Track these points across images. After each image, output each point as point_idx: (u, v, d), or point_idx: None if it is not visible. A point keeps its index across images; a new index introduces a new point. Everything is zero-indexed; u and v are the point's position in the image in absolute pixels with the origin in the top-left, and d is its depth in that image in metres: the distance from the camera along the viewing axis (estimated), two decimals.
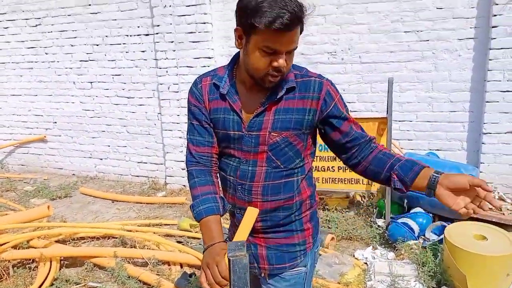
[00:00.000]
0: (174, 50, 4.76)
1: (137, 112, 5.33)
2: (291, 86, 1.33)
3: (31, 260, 3.17)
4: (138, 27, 5.04)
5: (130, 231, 3.65)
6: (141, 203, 4.72)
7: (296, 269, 1.47)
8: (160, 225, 3.98)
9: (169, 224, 4.01)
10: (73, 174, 5.95)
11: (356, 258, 3.30)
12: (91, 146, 5.73)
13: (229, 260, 1.11)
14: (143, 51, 5.09)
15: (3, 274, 2.95)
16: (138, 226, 3.80)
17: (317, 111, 1.33)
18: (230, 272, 1.10)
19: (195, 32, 4.62)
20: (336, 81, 4.42)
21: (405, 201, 3.70)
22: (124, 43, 5.16)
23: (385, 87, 3.90)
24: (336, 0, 4.23)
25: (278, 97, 1.32)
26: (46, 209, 3.45)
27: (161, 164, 5.33)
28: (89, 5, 5.25)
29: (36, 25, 5.67)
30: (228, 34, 4.62)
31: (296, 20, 1.17)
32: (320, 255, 3.17)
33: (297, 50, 1.28)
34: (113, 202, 4.85)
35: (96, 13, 5.25)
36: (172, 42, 4.75)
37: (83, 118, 5.69)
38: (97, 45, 5.34)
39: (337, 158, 3.82)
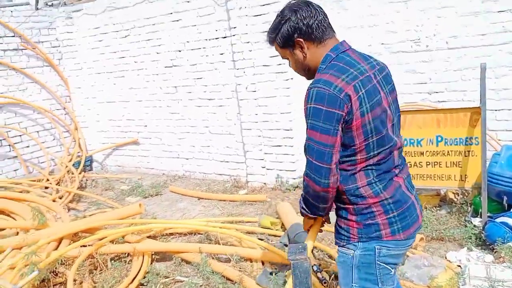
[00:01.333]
0: (251, 51, 4.83)
1: (217, 113, 5.51)
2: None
3: (126, 254, 3.43)
4: (216, 30, 5.21)
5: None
6: (224, 200, 4.88)
7: (345, 248, 1.65)
8: (242, 222, 4.07)
9: (250, 222, 4.08)
10: (163, 174, 6.35)
11: (448, 260, 3.06)
12: (178, 147, 6.07)
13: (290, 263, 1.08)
14: (221, 54, 5.24)
15: (103, 267, 3.24)
16: (221, 223, 3.92)
17: None
18: (292, 276, 1.07)
19: None
20: (421, 70, 4.16)
21: (505, 198, 3.34)
22: (203, 47, 5.37)
23: (476, 73, 3.55)
24: None
25: None
26: (138, 207, 3.72)
27: (242, 162, 5.45)
28: (171, 13, 5.55)
29: (126, 36, 6.14)
30: None
31: (269, 41, 1.73)
32: (408, 256, 3.00)
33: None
34: (198, 199, 5.08)
35: (177, 21, 5.53)
36: (248, 42, 4.83)
37: (170, 121, 6.04)
38: (180, 51, 5.62)
39: (424, 153, 3.60)
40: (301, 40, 1.61)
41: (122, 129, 6.70)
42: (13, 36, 6.38)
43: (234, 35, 4.92)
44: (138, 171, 6.68)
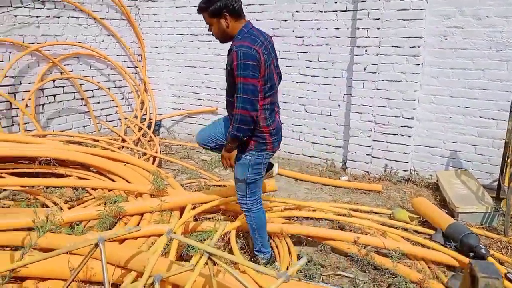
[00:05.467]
0: (379, 28, 4.48)
1: (319, 92, 5.17)
2: (230, 48, 2.45)
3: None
4: (336, 2, 4.83)
5: (344, 215, 3.53)
6: (328, 185, 4.59)
7: (246, 154, 2.58)
8: (370, 212, 3.79)
9: (378, 213, 3.80)
10: None
11: None
12: None
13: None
14: (337, 28, 4.88)
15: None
16: (349, 210, 3.64)
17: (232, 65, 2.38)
18: None
19: (408, 10, 4.28)
20: None
21: None
22: (316, 19, 5.00)
23: None
24: None
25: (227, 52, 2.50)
26: (273, 184, 3.44)
27: (339, 147, 5.15)
28: None
29: None
30: (447, 12, 4.21)
31: (199, 9, 2.51)
32: None
33: None
34: (296, 180, 4.79)
35: None
36: (377, 19, 4.46)
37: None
38: (285, 20, 5.24)
39: None
40: (227, 14, 2.43)
41: (199, 97, 6.35)
42: None
43: (361, 10, 4.55)
44: None
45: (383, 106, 4.60)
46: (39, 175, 4.35)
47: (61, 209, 3.64)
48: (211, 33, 2.58)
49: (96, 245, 1.88)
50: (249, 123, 2.39)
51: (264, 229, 2.82)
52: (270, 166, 3.04)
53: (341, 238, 3.05)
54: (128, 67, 6.59)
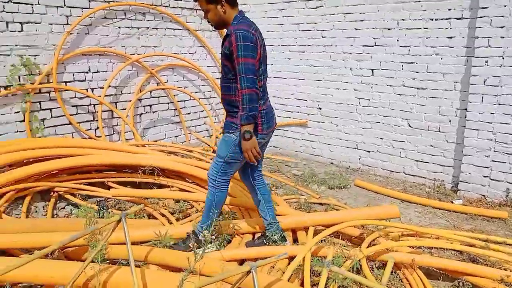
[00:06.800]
0: (503, 37, 4.03)
1: (427, 105, 4.79)
2: (227, 33, 2.61)
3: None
4: (449, 9, 4.45)
5: (473, 245, 3.13)
6: (442, 209, 4.18)
7: (231, 134, 2.70)
8: (502, 244, 3.34)
9: None
10: (332, 163, 5.78)
11: None
12: (359, 136, 5.44)
13: None
14: (450, 37, 4.49)
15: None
16: (477, 240, 3.23)
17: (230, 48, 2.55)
18: None
19: None
20: None
21: None
22: (425, 28, 4.64)
23: None
24: None
25: (223, 39, 2.66)
26: (395, 209, 3.14)
27: (449, 166, 4.71)
28: None
29: (317, 7, 5.56)
30: None
31: None
32: None
33: None
34: (402, 202, 4.43)
35: None
36: (502, 27, 4.03)
37: (354, 106, 5.42)
38: (389, 29, 4.94)
39: None
40: (223, 1, 2.60)
41: (287, 108, 6.19)
42: None
43: (481, 17, 4.14)
44: (298, 155, 6.17)
45: (507, 123, 4.13)
46: (141, 184, 4.41)
47: (170, 221, 3.60)
48: (206, 20, 2.75)
49: (248, 272, 1.72)
50: (256, 100, 2.50)
51: (219, 209, 2.87)
52: (283, 239, 2.99)
53: (484, 274, 2.67)
54: (217, 78, 6.60)
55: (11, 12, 4.23)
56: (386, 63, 5.02)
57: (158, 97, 5.79)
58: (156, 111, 5.79)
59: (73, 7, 4.68)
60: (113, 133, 5.30)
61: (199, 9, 6.03)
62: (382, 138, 5.23)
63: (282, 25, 6.00)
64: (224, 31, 2.71)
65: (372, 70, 5.17)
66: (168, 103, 5.93)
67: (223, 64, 2.65)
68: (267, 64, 2.95)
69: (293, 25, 5.86)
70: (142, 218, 3.78)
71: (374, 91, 5.19)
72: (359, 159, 5.50)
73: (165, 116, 5.91)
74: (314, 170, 5.42)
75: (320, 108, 5.79)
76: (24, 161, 3.96)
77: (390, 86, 5.03)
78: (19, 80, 4.35)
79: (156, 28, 5.63)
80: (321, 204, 4.26)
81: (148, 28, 5.52)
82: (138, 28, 5.42)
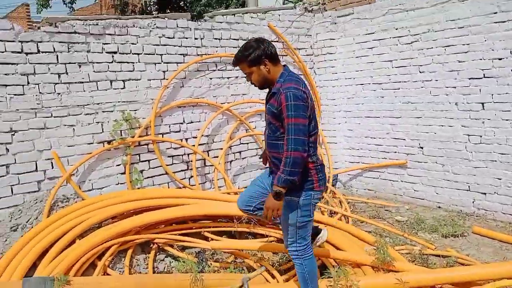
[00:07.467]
0: None
1: None
2: (273, 92, 2.54)
3: None
4: None
5: None
6: None
7: (291, 196, 2.53)
8: None
9: None
10: (439, 207, 5.20)
11: None
12: (472, 177, 4.85)
13: None
14: None
15: None
16: None
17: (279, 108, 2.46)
18: None
19: None
20: None
21: None
22: None
23: None
24: None
25: (268, 96, 2.63)
26: None
27: None
28: (495, 13, 4.44)
29: (411, 42, 5.24)
30: None
31: (236, 61, 2.61)
32: None
33: None
34: None
35: (502, 22, 4.39)
36: None
37: (463, 144, 4.89)
38: (500, 59, 4.45)
39: None
40: (266, 60, 2.53)
41: (382, 149, 5.79)
42: (276, 41, 6.06)
43: None
44: (398, 198, 5.67)
45: None
46: (236, 234, 4.27)
47: (272, 275, 3.37)
48: (249, 82, 2.64)
49: None
50: (301, 165, 2.39)
51: (316, 280, 2.70)
52: (318, 231, 2.94)
53: None
54: None
55: (115, 72, 4.49)
56: (499, 96, 4.50)
57: (247, 143, 5.74)
58: (245, 157, 5.73)
59: (169, 63, 4.87)
60: (206, 181, 5.29)
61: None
62: (500, 179, 4.60)
63: (372, 63, 5.74)
64: None
65: (483, 103, 4.65)
66: (256, 148, 5.85)
67: (270, 122, 2.57)
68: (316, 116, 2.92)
69: (385, 62, 5.58)
70: (242, 271, 3.60)
71: (487, 127, 4.65)
72: (473, 202, 4.88)
73: (253, 162, 5.82)
74: (419, 215, 4.89)
75: (422, 147, 5.31)
76: (125, 212, 4.04)
77: (506, 120, 4.47)
78: (121, 134, 4.54)
79: (244, 77, 5.66)
80: (438, 256, 3.76)
81: (237, 77, 5.58)
82: (228, 78, 5.49)
